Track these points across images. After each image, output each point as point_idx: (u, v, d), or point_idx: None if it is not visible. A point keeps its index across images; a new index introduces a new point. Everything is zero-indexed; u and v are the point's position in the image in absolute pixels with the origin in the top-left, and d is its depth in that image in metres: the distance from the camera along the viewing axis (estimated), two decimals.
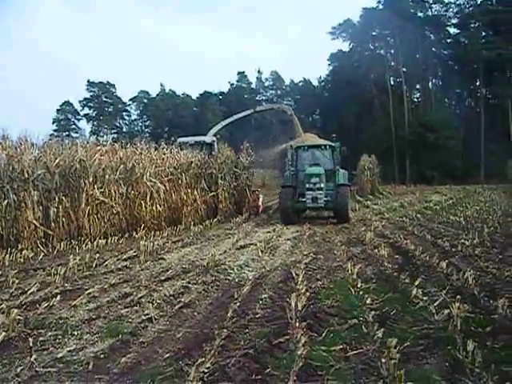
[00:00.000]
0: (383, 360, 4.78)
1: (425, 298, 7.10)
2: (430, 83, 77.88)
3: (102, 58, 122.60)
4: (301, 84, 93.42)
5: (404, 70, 71.76)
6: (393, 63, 73.92)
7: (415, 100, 79.16)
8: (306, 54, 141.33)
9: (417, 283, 7.81)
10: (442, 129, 62.22)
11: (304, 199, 20.37)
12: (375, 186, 41.74)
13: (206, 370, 4.89)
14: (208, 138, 31.01)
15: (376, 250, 11.87)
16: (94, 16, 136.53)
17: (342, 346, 5.53)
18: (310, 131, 48.77)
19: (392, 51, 74.85)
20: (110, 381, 5.00)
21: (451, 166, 60.70)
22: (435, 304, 6.70)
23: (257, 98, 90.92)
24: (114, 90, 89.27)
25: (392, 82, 73.15)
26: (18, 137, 16.09)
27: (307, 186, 20.14)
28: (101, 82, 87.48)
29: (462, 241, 12.20)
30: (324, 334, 5.99)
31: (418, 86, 79.73)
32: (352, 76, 68.16)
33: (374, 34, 74.81)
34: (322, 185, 20.11)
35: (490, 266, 9.55)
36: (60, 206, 15.65)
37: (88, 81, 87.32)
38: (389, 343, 4.90)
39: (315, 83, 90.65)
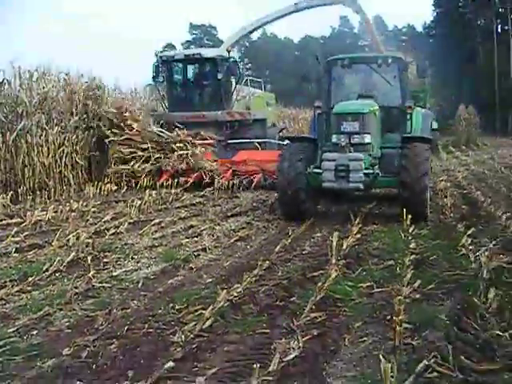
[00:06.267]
0: (400, 298, 5.05)
1: (471, 247, 7.14)
2: None
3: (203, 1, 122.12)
4: (404, 30, 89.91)
5: None
6: (501, 9, 69.53)
7: None
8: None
9: (469, 232, 7.86)
10: None
11: (320, 170, 9.61)
12: (471, 137, 40.26)
13: (235, 294, 5.41)
14: (208, 51, 19.00)
15: (445, 199, 11.79)
16: None
17: (369, 284, 5.85)
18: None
19: None
20: (154, 297, 5.64)
21: None
22: (477, 253, 6.76)
23: (359, 43, 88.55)
24: (215, 33, 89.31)
25: (499, 30, 68.96)
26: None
27: (333, 139, 9.67)
28: (203, 25, 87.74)
29: None
30: (358, 272, 6.34)
31: None
32: (457, 22, 64.97)
33: None
34: (368, 138, 9.54)
35: None
36: None
37: (190, 23, 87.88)
38: (404, 282, 5.15)
39: (419, 29, 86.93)
